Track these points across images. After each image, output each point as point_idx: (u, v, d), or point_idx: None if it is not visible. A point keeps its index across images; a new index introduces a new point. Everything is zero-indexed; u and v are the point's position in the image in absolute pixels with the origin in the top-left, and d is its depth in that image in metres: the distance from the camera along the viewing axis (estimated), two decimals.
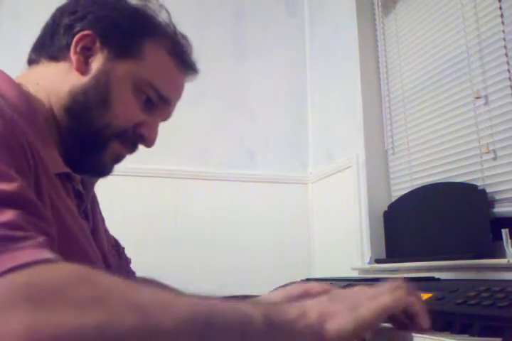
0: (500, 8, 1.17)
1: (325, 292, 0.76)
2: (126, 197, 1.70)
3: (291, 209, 1.93)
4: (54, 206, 0.55)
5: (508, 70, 1.13)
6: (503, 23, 1.16)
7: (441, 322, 0.57)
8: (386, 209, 1.50)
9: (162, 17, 0.70)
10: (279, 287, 0.81)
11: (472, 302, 0.61)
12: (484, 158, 1.18)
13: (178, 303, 0.40)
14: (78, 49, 0.64)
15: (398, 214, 1.45)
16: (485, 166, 1.18)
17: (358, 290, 0.54)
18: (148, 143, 0.70)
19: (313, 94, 2.07)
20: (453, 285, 0.74)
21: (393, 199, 1.53)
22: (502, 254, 1.00)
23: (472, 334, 0.54)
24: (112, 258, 0.74)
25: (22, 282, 0.35)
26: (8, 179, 0.43)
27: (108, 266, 0.70)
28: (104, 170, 0.69)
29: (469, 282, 0.84)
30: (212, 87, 1.90)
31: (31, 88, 0.63)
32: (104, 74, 0.64)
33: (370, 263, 1.49)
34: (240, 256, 1.78)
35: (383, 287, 0.54)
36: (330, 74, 1.92)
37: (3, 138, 0.47)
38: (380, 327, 0.55)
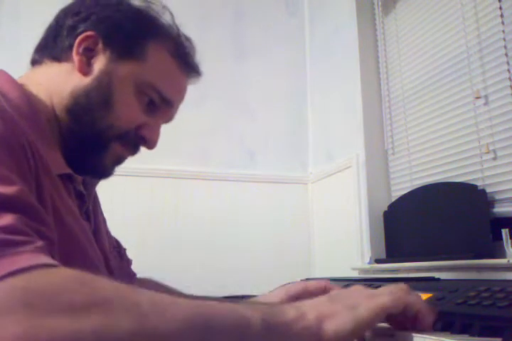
0: (500, 8, 1.17)
1: (323, 288, 0.76)
2: (126, 197, 1.70)
3: (291, 209, 1.93)
4: (55, 207, 0.55)
5: (508, 70, 1.13)
6: (503, 23, 1.16)
7: (441, 322, 0.57)
8: (386, 209, 1.50)
9: (165, 18, 0.69)
10: (279, 287, 0.81)
11: (472, 302, 0.61)
12: (484, 158, 1.18)
13: (176, 307, 0.40)
14: (81, 50, 0.64)
15: (398, 214, 1.45)
16: (485, 166, 1.18)
17: (357, 289, 0.54)
18: (150, 145, 0.69)
19: (313, 94, 2.07)
20: (453, 285, 0.74)
21: (393, 199, 1.53)
22: (502, 254, 1.00)
23: (472, 334, 0.54)
24: (114, 259, 0.74)
25: (20, 287, 0.35)
26: (7, 182, 0.43)
27: (109, 268, 0.69)
28: (106, 172, 0.68)
29: (469, 282, 0.84)
30: (213, 87, 1.90)
31: (34, 88, 0.63)
32: (106, 76, 0.64)
33: (370, 263, 1.49)
34: (240, 256, 1.78)
35: (384, 287, 0.54)
36: (330, 74, 1.92)
37: (3, 139, 0.46)
38: (380, 327, 0.55)
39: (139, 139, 0.68)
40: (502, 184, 1.12)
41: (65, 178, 0.63)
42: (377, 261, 1.45)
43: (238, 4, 2.08)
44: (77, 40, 0.64)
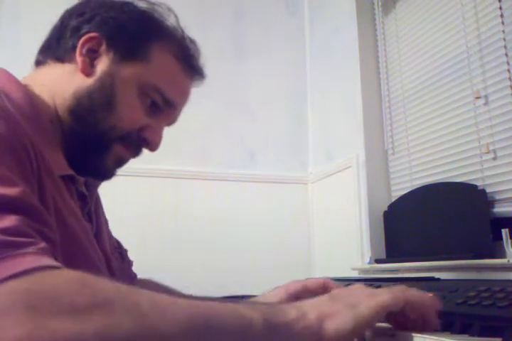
0: (500, 8, 1.17)
1: (322, 286, 0.76)
2: (126, 197, 1.70)
3: (291, 209, 1.93)
4: (57, 208, 0.55)
5: (508, 70, 1.13)
6: (503, 23, 1.16)
7: (441, 322, 0.57)
8: (386, 209, 1.50)
9: (170, 21, 0.69)
10: (278, 286, 0.82)
11: (472, 302, 0.61)
12: (484, 158, 1.18)
13: (177, 307, 0.40)
14: (84, 51, 0.64)
15: (398, 214, 1.45)
16: (485, 166, 1.18)
17: (357, 288, 0.54)
18: (152, 147, 0.69)
19: (313, 94, 2.07)
20: (453, 285, 0.74)
21: (393, 199, 1.53)
22: (502, 254, 1.00)
23: (472, 334, 0.54)
24: (115, 260, 0.74)
25: (22, 289, 0.35)
26: (10, 184, 0.43)
27: (110, 269, 0.69)
28: (107, 173, 0.68)
29: (469, 282, 0.84)
30: (212, 87, 1.89)
31: (37, 89, 0.63)
32: (109, 77, 0.64)
33: (370, 263, 1.49)
34: (239, 256, 1.78)
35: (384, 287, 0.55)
36: (330, 74, 1.92)
37: (5, 139, 0.46)
38: (380, 327, 0.55)
39: (141, 141, 0.67)
40: (502, 184, 1.12)
41: (67, 179, 0.63)
42: (377, 261, 1.45)
43: (238, 4, 2.08)
44: (81, 41, 0.64)
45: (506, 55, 1.14)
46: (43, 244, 0.41)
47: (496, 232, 1.03)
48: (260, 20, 2.10)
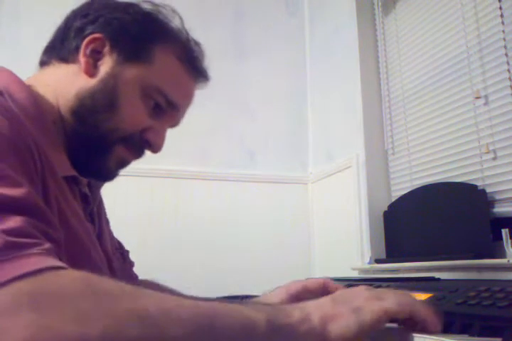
0: (500, 8, 1.17)
1: (322, 286, 0.76)
2: (126, 197, 1.70)
3: (291, 209, 1.93)
4: (61, 209, 0.55)
5: (508, 70, 1.13)
6: (503, 23, 1.16)
7: (441, 322, 0.57)
8: (386, 209, 1.50)
9: (175, 23, 0.69)
10: (279, 286, 0.81)
11: (472, 302, 0.61)
12: (484, 158, 1.18)
13: (182, 309, 0.40)
14: (88, 52, 0.64)
15: (398, 214, 1.45)
16: (485, 166, 1.18)
17: (360, 289, 0.53)
18: (155, 149, 0.69)
19: (313, 94, 2.07)
20: (453, 285, 0.74)
21: (393, 199, 1.53)
22: (502, 254, 1.00)
23: (472, 334, 0.54)
24: (116, 261, 0.74)
25: (26, 290, 0.35)
26: (14, 184, 0.43)
27: (112, 269, 0.69)
28: (109, 174, 0.68)
29: (469, 282, 0.84)
30: (213, 87, 1.89)
31: (41, 89, 0.63)
32: (112, 78, 0.63)
33: (370, 263, 1.49)
34: (240, 256, 1.78)
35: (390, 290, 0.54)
36: (330, 74, 1.92)
37: (10, 140, 0.46)
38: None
39: (143, 143, 0.67)
40: (502, 184, 1.12)
41: (70, 180, 0.63)
42: (377, 261, 1.45)
43: (238, 4, 2.08)
44: (85, 42, 0.64)
45: (506, 55, 1.14)
46: (47, 245, 0.41)
47: (496, 232, 1.03)
48: (260, 20, 2.10)
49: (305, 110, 2.08)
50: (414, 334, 0.50)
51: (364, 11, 1.74)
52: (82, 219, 0.61)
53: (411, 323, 0.52)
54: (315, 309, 0.47)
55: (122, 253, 0.82)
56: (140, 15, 0.67)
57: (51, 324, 0.33)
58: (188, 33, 0.70)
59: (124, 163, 0.68)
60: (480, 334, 0.54)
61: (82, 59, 0.64)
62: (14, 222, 0.40)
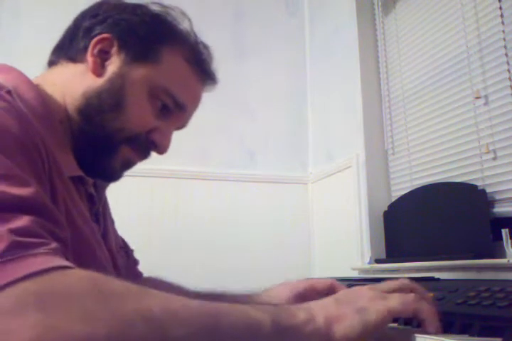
0: (500, 8, 1.17)
1: (329, 287, 0.76)
2: (127, 197, 1.70)
3: (291, 209, 1.93)
4: (67, 209, 0.55)
5: (508, 70, 1.13)
6: (503, 23, 1.16)
7: (441, 322, 0.57)
8: (386, 209, 1.50)
9: (184, 25, 0.69)
10: (283, 283, 0.82)
11: (472, 302, 0.61)
12: (484, 158, 1.18)
13: (187, 310, 0.40)
14: (95, 51, 0.64)
15: (398, 214, 1.45)
16: (485, 166, 1.18)
17: (365, 289, 0.53)
18: (160, 150, 0.69)
19: (313, 94, 2.07)
20: (453, 285, 0.74)
21: (393, 199, 1.53)
22: (502, 254, 0.99)
23: (472, 334, 0.54)
24: (121, 259, 0.75)
25: (33, 290, 0.35)
26: (22, 184, 0.43)
27: (116, 268, 0.70)
28: (114, 175, 0.68)
29: (469, 282, 0.84)
30: None
31: (48, 89, 0.63)
32: (119, 78, 0.63)
33: (370, 263, 1.49)
34: (240, 256, 1.78)
35: (392, 284, 0.54)
36: (330, 74, 1.92)
37: (18, 139, 0.47)
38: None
39: (149, 143, 0.67)
40: (502, 184, 1.12)
41: (77, 181, 0.63)
42: (377, 261, 1.45)
43: (238, 4, 2.08)
44: (93, 42, 0.64)
45: (506, 55, 1.14)
46: (54, 245, 0.41)
47: (496, 232, 1.02)
48: (260, 20, 2.10)
49: (305, 110, 2.08)
50: (416, 335, 0.50)
51: (364, 11, 1.74)
52: (87, 219, 0.61)
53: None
54: (319, 309, 0.47)
55: (127, 251, 0.82)
56: (148, 17, 0.67)
57: (57, 324, 0.33)
58: (196, 36, 0.71)
59: (129, 164, 0.68)
60: (480, 334, 0.54)
61: (89, 58, 0.64)
62: (21, 221, 0.40)
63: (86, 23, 0.66)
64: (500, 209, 1.11)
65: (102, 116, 0.63)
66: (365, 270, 1.50)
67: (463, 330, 0.56)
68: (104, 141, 0.64)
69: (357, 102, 1.66)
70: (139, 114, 0.64)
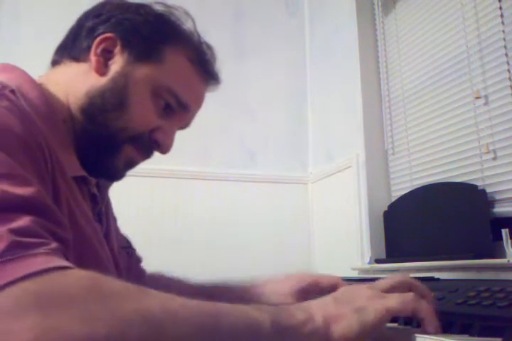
0: (500, 8, 1.17)
1: (335, 285, 0.76)
2: (127, 197, 1.70)
3: (291, 209, 1.93)
4: (70, 210, 0.55)
5: (508, 70, 1.13)
6: (503, 23, 1.16)
7: (441, 322, 0.57)
8: (386, 209, 1.50)
9: (187, 25, 0.69)
10: (286, 275, 0.82)
11: (472, 302, 0.61)
12: (484, 158, 1.18)
13: (187, 310, 0.40)
14: (99, 51, 0.64)
15: (398, 214, 1.45)
16: (485, 166, 1.18)
17: (363, 288, 0.53)
18: (163, 149, 0.69)
19: (313, 94, 2.07)
20: (453, 285, 0.74)
21: (393, 199, 1.53)
22: (502, 254, 0.99)
23: (472, 334, 0.54)
24: (122, 259, 0.75)
25: (32, 290, 0.35)
26: (24, 183, 0.43)
27: (118, 268, 0.70)
28: (117, 174, 0.68)
29: (469, 282, 0.84)
30: None
31: (51, 88, 0.63)
32: (122, 77, 0.63)
33: (370, 263, 1.49)
34: (239, 256, 1.78)
35: (391, 282, 0.54)
36: (330, 74, 1.92)
37: (21, 138, 0.46)
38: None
39: (152, 143, 0.67)
40: (502, 184, 1.12)
41: (80, 180, 0.63)
42: (377, 261, 1.45)
43: (238, 4, 2.08)
44: (96, 41, 0.64)
45: (506, 55, 1.14)
46: (54, 245, 0.41)
47: (496, 232, 1.02)
48: (260, 20, 2.10)
49: (305, 110, 2.08)
50: (416, 335, 0.50)
51: (364, 11, 1.74)
52: (90, 219, 0.61)
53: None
54: (318, 309, 0.47)
55: (128, 251, 0.82)
56: (152, 16, 0.67)
57: (57, 324, 0.33)
58: (200, 36, 0.71)
59: (132, 163, 0.68)
60: (480, 334, 0.54)
61: (93, 58, 0.64)
62: (22, 221, 0.40)
63: (89, 23, 0.66)
64: (500, 209, 1.11)
65: (105, 116, 0.63)
66: (365, 270, 1.50)
67: (463, 330, 0.56)
68: (108, 141, 0.64)
69: (357, 102, 1.66)
70: (142, 113, 0.64)
